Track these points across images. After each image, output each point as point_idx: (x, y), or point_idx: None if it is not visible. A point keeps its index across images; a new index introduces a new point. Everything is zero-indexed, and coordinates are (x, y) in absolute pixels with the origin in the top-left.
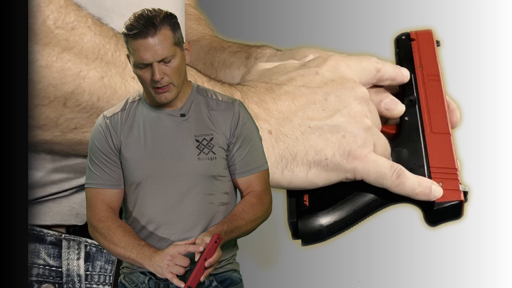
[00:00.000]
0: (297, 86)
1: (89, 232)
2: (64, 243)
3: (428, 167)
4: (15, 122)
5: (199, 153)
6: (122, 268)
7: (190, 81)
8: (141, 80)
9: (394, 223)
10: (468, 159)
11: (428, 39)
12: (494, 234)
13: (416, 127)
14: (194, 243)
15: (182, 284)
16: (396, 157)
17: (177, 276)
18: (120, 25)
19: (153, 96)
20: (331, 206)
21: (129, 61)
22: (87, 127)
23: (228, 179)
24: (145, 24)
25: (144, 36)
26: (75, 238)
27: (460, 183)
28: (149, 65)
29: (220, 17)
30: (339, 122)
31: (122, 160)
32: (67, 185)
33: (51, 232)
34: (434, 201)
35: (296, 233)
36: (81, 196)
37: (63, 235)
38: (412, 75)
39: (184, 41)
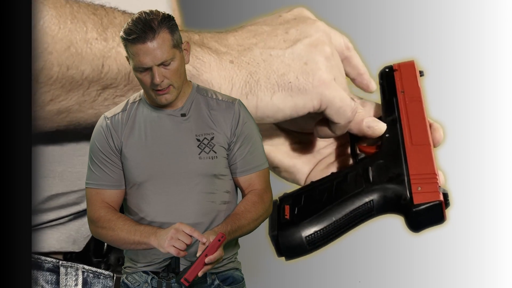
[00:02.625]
0: (258, 25)
1: (90, 231)
2: (62, 270)
3: (408, 175)
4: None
5: (200, 152)
6: (125, 268)
7: (190, 81)
8: (141, 83)
9: (394, 223)
10: (468, 159)
11: (410, 68)
12: (494, 234)
13: (396, 141)
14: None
15: (186, 254)
16: (376, 169)
17: (176, 273)
18: None
19: (154, 97)
20: (311, 217)
21: (129, 63)
22: (62, 96)
23: (229, 178)
24: (143, 29)
25: (143, 41)
26: (73, 265)
27: (439, 186)
28: (149, 69)
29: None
30: (300, 50)
31: (123, 161)
32: (64, 212)
33: (48, 259)
34: (412, 203)
35: (278, 248)
36: (77, 224)
37: (60, 262)
38: (394, 98)
39: (182, 42)
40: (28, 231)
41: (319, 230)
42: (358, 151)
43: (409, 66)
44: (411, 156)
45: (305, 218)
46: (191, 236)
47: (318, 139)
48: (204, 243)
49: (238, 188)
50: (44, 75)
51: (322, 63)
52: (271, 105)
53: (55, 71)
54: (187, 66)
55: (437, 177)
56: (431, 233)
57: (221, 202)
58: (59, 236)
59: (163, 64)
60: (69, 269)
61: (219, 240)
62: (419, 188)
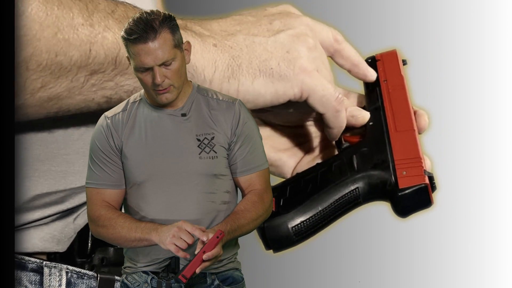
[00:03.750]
0: (243, 15)
1: (91, 230)
2: (46, 270)
3: (393, 160)
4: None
5: (201, 152)
6: (124, 268)
7: (191, 81)
8: (142, 82)
9: (394, 223)
10: (468, 159)
11: (392, 57)
12: (494, 234)
13: (380, 128)
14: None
15: (187, 256)
16: (360, 157)
17: (174, 271)
18: None
19: (154, 97)
20: (297, 207)
21: (130, 63)
22: (52, 82)
23: (229, 178)
24: (144, 29)
25: (144, 41)
26: (56, 265)
27: (424, 169)
28: (150, 69)
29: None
30: (283, 40)
31: (123, 160)
32: (48, 212)
33: (32, 259)
34: (398, 187)
35: (266, 240)
36: (61, 224)
37: (44, 262)
38: (377, 88)
39: (183, 42)
40: (11, 231)
41: (305, 220)
42: (343, 141)
43: (392, 55)
44: (395, 142)
45: (291, 209)
46: (193, 235)
47: (303, 132)
48: (203, 242)
49: (238, 188)
50: (34, 62)
51: (304, 53)
52: (251, 89)
53: (44, 58)
54: None
55: (422, 161)
56: (431, 233)
57: (221, 202)
58: (43, 236)
59: (164, 64)
60: (52, 269)
61: (217, 237)
62: (404, 172)
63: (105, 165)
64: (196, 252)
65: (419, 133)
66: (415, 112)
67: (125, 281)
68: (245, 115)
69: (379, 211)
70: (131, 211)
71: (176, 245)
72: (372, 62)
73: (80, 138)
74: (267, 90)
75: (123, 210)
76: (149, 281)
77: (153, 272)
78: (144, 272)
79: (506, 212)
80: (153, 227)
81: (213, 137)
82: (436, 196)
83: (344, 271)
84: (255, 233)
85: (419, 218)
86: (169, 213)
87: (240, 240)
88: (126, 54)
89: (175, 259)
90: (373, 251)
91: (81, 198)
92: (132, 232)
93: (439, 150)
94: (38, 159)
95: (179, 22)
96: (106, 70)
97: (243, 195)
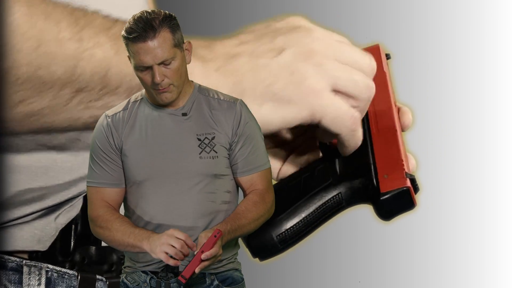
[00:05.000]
0: (244, 33)
1: (90, 229)
2: (25, 269)
3: (374, 163)
4: None
5: (201, 151)
6: (124, 267)
7: (192, 81)
8: (142, 81)
9: (394, 223)
10: (468, 158)
11: (375, 52)
12: (494, 234)
13: (362, 130)
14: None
15: (178, 263)
16: (342, 161)
17: (174, 273)
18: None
19: (154, 96)
20: (281, 215)
21: (130, 62)
22: (32, 97)
23: (230, 178)
24: (144, 27)
25: (144, 40)
26: (36, 264)
27: (405, 172)
28: (150, 68)
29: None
30: (287, 60)
31: (123, 159)
32: (29, 209)
33: (12, 258)
34: (379, 191)
35: (251, 249)
36: (42, 222)
37: (24, 261)
38: None
39: (184, 42)
40: None
41: (290, 228)
42: (327, 143)
43: (374, 51)
44: (377, 144)
45: (275, 217)
46: (184, 241)
47: (286, 134)
48: (194, 252)
49: (239, 188)
50: (13, 75)
51: (311, 72)
52: (259, 116)
53: (24, 71)
54: None
55: (403, 163)
56: (431, 233)
57: (222, 202)
58: (23, 235)
59: (163, 63)
60: (32, 268)
61: (215, 236)
62: (386, 176)
63: (105, 164)
64: (194, 252)
65: (403, 131)
66: (399, 110)
67: (125, 280)
68: (246, 115)
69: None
70: (131, 210)
71: (166, 253)
72: None
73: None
74: (275, 115)
75: (123, 210)
76: (148, 281)
77: (152, 272)
78: (144, 272)
79: (506, 209)
80: (145, 235)
81: (214, 137)
82: (436, 195)
83: (344, 271)
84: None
85: (419, 218)
86: (169, 212)
87: (240, 240)
88: (118, 72)
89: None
90: (373, 251)
91: (63, 196)
92: (126, 237)
93: (434, 147)
94: (19, 155)
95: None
96: (94, 88)
97: (245, 195)
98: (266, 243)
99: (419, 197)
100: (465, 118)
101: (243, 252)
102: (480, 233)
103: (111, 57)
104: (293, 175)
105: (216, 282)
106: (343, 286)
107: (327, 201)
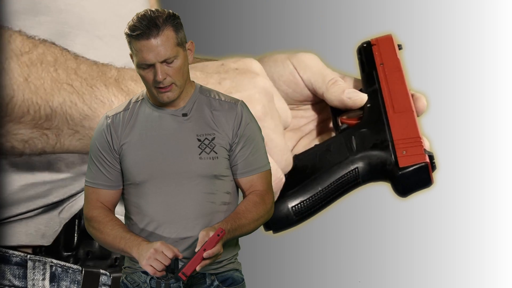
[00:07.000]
0: (196, 69)
1: (86, 227)
2: (30, 264)
3: (392, 140)
4: None
5: (201, 152)
6: (124, 268)
7: (193, 81)
8: (144, 80)
9: (394, 223)
10: (468, 158)
11: (388, 42)
12: (494, 234)
13: (378, 109)
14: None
15: (164, 273)
16: (359, 137)
17: (173, 271)
18: (85, 42)
19: (156, 95)
20: (296, 187)
21: (132, 61)
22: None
23: (230, 179)
24: (147, 25)
25: (147, 37)
26: (41, 259)
27: (424, 149)
28: (152, 66)
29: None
30: None
31: (123, 160)
32: (33, 205)
33: (16, 253)
34: (398, 166)
35: (266, 222)
36: (46, 217)
37: (28, 256)
38: (374, 71)
39: (187, 41)
40: None
41: (305, 200)
42: (340, 124)
43: (387, 40)
44: (394, 122)
45: (291, 189)
46: (172, 254)
47: (299, 115)
48: (183, 261)
49: (239, 190)
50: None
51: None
52: None
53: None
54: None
55: (422, 140)
56: (431, 233)
57: (221, 203)
58: (27, 230)
59: (166, 61)
60: (37, 263)
61: (218, 235)
62: (404, 152)
63: (102, 165)
64: (196, 250)
65: (418, 116)
66: (412, 95)
67: (125, 281)
68: (247, 116)
69: (379, 210)
70: (131, 211)
71: (152, 266)
72: (368, 46)
73: None
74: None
75: (123, 210)
76: (148, 281)
77: None
78: (143, 272)
79: (506, 206)
80: (135, 242)
81: (214, 138)
82: (436, 194)
83: (344, 271)
84: (255, 234)
85: (419, 218)
86: (169, 213)
87: (240, 241)
88: (27, 101)
89: (174, 260)
90: (373, 251)
91: (66, 191)
92: (117, 242)
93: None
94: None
95: (112, 72)
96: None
97: (244, 196)
98: (281, 214)
99: (419, 195)
100: (465, 118)
101: (243, 252)
102: (480, 233)
103: (20, 84)
104: (308, 151)
105: (216, 283)
106: (343, 286)
107: (343, 175)
